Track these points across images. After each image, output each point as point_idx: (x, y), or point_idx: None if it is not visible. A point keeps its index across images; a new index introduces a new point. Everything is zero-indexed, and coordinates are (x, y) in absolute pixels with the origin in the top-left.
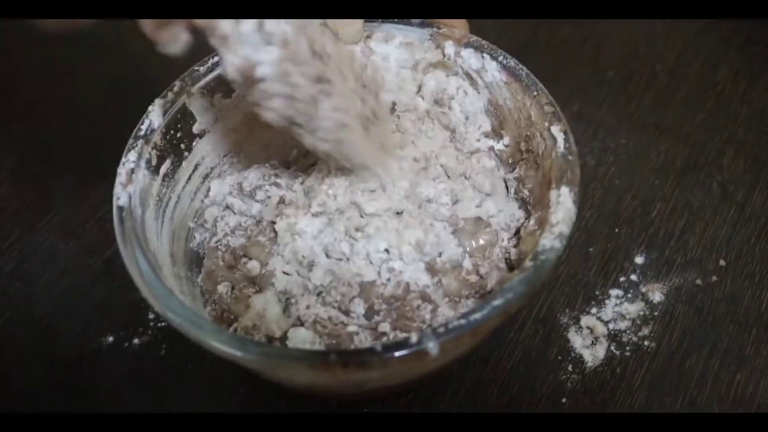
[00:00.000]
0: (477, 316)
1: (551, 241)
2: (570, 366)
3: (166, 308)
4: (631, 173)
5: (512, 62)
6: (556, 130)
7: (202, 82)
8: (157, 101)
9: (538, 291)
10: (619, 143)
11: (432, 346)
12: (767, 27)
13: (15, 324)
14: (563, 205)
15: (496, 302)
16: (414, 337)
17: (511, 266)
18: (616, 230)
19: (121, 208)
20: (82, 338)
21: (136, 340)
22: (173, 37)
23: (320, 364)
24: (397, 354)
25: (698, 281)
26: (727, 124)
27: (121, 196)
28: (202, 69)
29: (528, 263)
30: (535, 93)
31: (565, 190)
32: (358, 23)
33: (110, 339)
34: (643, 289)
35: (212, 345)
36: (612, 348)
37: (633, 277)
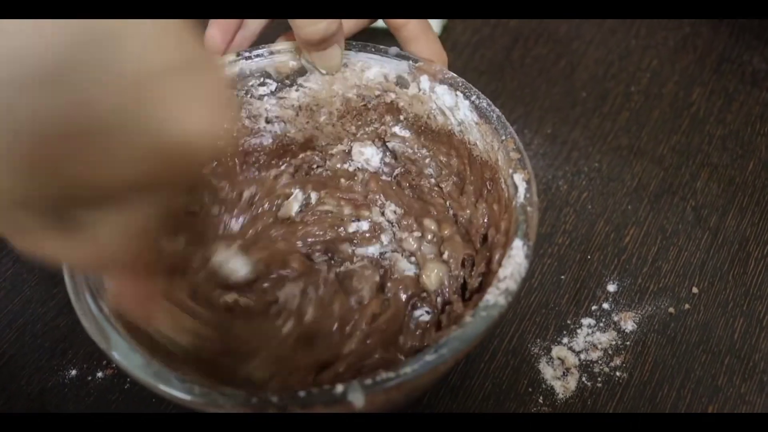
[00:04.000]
0: (407, 370)
1: (496, 297)
2: (541, 398)
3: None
4: (605, 197)
5: (485, 103)
6: (519, 178)
7: None
8: None
9: (488, 336)
10: (593, 166)
11: (357, 398)
12: (741, 46)
13: None
14: (514, 260)
15: (429, 358)
16: (339, 388)
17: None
18: (589, 257)
19: None
20: (45, 370)
21: (99, 374)
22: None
23: (243, 406)
24: (319, 405)
25: (671, 309)
26: (701, 145)
27: None
28: None
29: (468, 318)
30: (503, 137)
31: (518, 243)
32: (337, 54)
33: (73, 372)
34: (616, 318)
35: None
36: (583, 379)
37: (605, 305)
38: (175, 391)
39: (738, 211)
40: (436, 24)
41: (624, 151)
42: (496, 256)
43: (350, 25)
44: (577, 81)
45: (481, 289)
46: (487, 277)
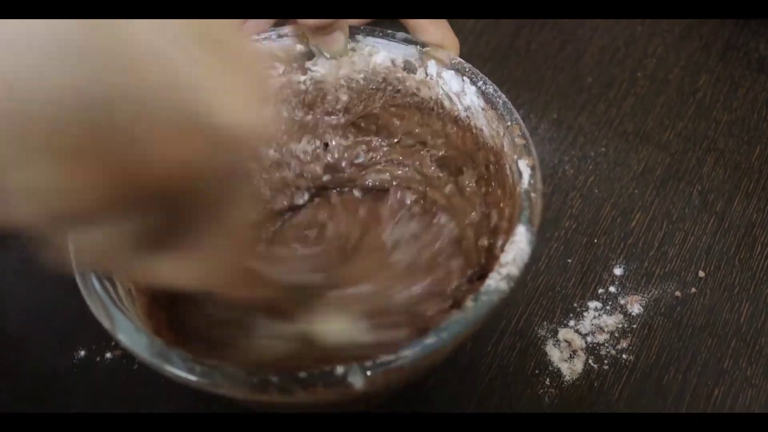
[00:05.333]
0: (407, 353)
1: (497, 282)
2: (548, 380)
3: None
4: (611, 182)
5: (491, 89)
6: (523, 164)
7: None
8: None
9: (481, 325)
10: (599, 151)
11: (357, 380)
12: (747, 33)
13: None
14: (517, 245)
15: (429, 341)
16: (339, 370)
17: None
18: (595, 240)
19: None
20: (55, 351)
21: (108, 354)
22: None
23: (243, 385)
24: (320, 386)
25: (677, 293)
26: (707, 131)
27: None
28: None
29: (469, 303)
30: (509, 123)
31: (521, 229)
32: (340, 39)
33: (82, 353)
34: (622, 301)
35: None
36: (590, 362)
37: (612, 288)
38: (178, 370)
39: (744, 197)
40: None
41: (630, 136)
42: (500, 242)
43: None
44: (583, 67)
45: (484, 272)
46: (490, 261)
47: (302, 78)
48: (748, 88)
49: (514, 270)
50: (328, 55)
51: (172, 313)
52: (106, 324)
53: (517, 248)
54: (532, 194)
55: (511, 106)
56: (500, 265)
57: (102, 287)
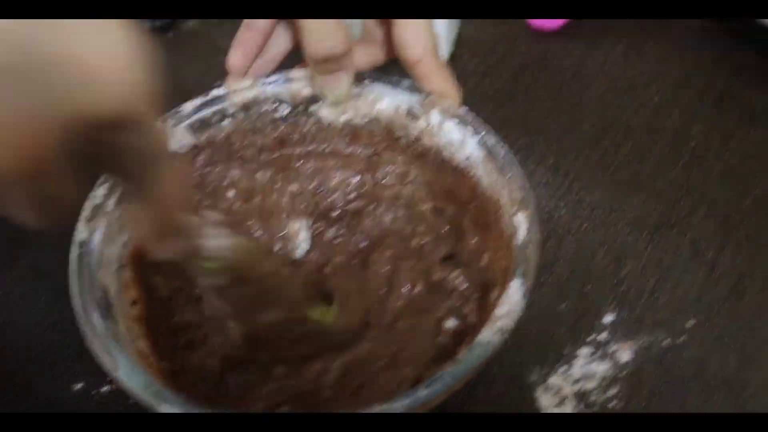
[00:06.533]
0: (399, 405)
1: (491, 335)
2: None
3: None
4: (605, 228)
5: (493, 140)
6: (522, 217)
7: (186, 122)
8: None
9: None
10: (593, 198)
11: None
12: (741, 83)
13: None
14: (511, 299)
15: (421, 393)
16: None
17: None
18: (588, 287)
19: (81, 243)
20: (50, 383)
21: (105, 388)
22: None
23: None
24: None
25: (667, 341)
26: (700, 181)
27: (82, 231)
28: (188, 107)
29: (462, 355)
30: (509, 175)
31: (516, 282)
32: (343, 81)
33: (79, 386)
34: (612, 349)
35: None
36: (579, 408)
37: (602, 335)
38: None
39: (734, 247)
40: (442, 53)
41: (624, 183)
42: (494, 294)
43: (364, 60)
44: (581, 112)
45: (478, 325)
46: (482, 314)
47: (307, 120)
48: (740, 138)
49: (508, 323)
50: (331, 99)
51: (171, 350)
52: (106, 363)
53: (512, 302)
54: (529, 248)
55: (513, 158)
56: (494, 318)
57: (104, 325)
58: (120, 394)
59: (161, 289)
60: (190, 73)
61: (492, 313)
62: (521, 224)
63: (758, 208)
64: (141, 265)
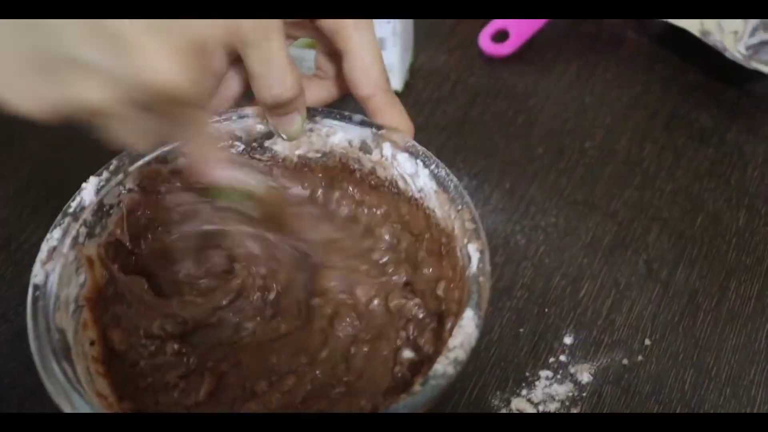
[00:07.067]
0: None
1: (445, 366)
2: None
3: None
4: (561, 251)
5: (443, 172)
6: (473, 248)
7: (140, 162)
8: (92, 179)
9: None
10: (549, 221)
11: None
12: (690, 103)
13: None
14: (464, 330)
15: None
16: None
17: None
18: (546, 310)
19: (36, 287)
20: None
21: None
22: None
23: None
24: None
25: (625, 361)
26: (652, 200)
27: (38, 273)
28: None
29: (417, 387)
30: (460, 207)
31: (469, 313)
32: (297, 121)
33: None
34: (572, 370)
35: None
36: None
37: (562, 357)
38: None
39: (688, 264)
40: (396, 82)
41: (579, 206)
42: (448, 325)
43: (318, 96)
44: (534, 137)
45: (433, 356)
46: (438, 344)
47: (262, 156)
48: (690, 157)
49: (461, 354)
50: (284, 137)
51: (132, 391)
52: (64, 407)
53: (465, 333)
54: (481, 278)
55: (463, 190)
56: (448, 349)
57: (60, 368)
58: None
59: (119, 343)
60: None
61: (446, 345)
62: (473, 255)
63: (710, 226)
64: (98, 306)
